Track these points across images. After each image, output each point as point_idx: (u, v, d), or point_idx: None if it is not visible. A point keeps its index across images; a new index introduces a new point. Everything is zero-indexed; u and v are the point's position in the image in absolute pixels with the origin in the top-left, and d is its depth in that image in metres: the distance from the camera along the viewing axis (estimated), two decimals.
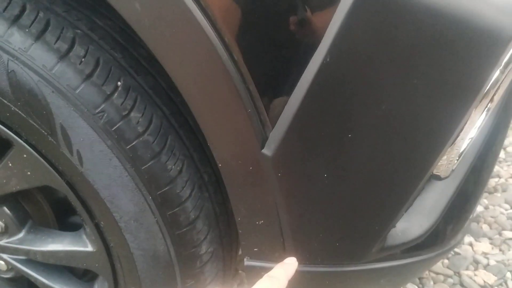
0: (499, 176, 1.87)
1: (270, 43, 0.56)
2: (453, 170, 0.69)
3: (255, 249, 0.70)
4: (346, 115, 0.57)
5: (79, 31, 0.67)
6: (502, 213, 1.68)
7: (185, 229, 0.72)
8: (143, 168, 0.68)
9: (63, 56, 0.64)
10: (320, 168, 0.60)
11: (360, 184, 0.62)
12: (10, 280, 0.92)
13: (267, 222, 0.66)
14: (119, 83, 0.67)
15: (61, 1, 0.69)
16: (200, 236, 0.74)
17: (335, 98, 0.56)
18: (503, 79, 0.71)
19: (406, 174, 0.62)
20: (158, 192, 0.69)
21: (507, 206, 1.71)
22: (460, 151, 0.70)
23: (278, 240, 0.68)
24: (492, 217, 1.65)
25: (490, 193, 1.78)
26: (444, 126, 0.59)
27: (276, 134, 0.58)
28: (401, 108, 0.57)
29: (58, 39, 0.65)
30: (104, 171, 0.68)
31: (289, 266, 0.67)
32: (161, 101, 0.71)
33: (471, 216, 0.92)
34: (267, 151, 0.59)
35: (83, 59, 0.65)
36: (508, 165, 1.94)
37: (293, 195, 0.62)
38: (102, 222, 0.74)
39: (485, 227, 1.61)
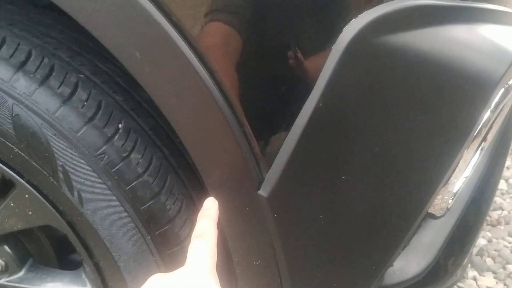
0: (502, 209, 1.86)
1: (265, 88, 0.58)
2: (448, 209, 0.69)
3: None
4: (340, 158, 0.58)
5: (82, 75, 0.69)
6: (505, 246, 1.67)
7: None
8: (142, 208, 0.69)
9: (66, 100, 0.66)
10: (316, 209, 0.61)
11: (356, 224, 0.63)
12: None
13: (264, 262, 0.67)
14: (120, 126, 0.69)
15: (65, 47, 0.72)
16: None
17: (328, 141, 0.58)
18: (495, 119, 0.73)
19: (401, 214, 0.63)
20: (157, 232, 0.70)
21: (511, 239, 1.69)
22: (455, 190, 0.71)
23: (276, 281, 0.68)
24: (495, 250, 1.64)
25: (493, 226, 1.77)
26: (436, 167, 0.60)
27: (272, 175, 0.60)
28: (393, 151, 0.58)
29: (61, 83, 0.67)
30: (104, 211, 0.69)
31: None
32: (161, 142, 0.72)
33: (471, 249, 0.92)
34: (263, 192, 0.60)
35: (85, 103, 0.67)
36: (511, 197, 1.93)
37: (290, 236, 0.63)
38: (101, 262, 0.74)
39: (489, 260, 1.60)
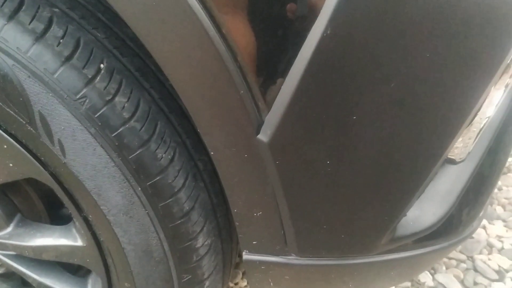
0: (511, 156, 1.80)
1: (263, 17, 0.50)
2: (469, 153, 0.63)
3: (254, 242, 0.65)
4: (350, 94, 0.51)
5: (57, 9, 0.61)
6: None
7: (179, 221, 0.67)
8: (130, 157, 0.62)
9: (39, 37, 0.59)
10: (322, 155, 0.55)
11: (367, 171, 0.56)
12: (1, 276, 0.88)
13: (266, 213, 0.61)
14: (102, 66, 0.61)
15: None
16: (196, 228, 0.69)
17: (337, 76, 0.50)
18: None
19: (418, 159, 0.56)
20: (148, 183, 0.64)
21: None
22: (477, 132, 0.64)
23: (279, 233, 0.63)
24: (506, 198, 1.59)
25: (503, 173, 1.72)
26: (461, 104, 0.53)
27: (273, 118, 0.53)
28: (411, 86, 0.50)
29: (33, 18, 0.59)
30: (89, 161, 0.63)
31: None
32: (149, 85, 0.65)
33: (487, 201, 0.86)
34: (263, 136, 0.54)
35: (61, 40, 0.60)
36: None
37: (293, 184, 0.57)
38: (90, 216, 0.69)
39: (498, 209, 1.56)
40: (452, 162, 0.60)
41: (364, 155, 0.55)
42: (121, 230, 0.68)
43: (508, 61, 0.55)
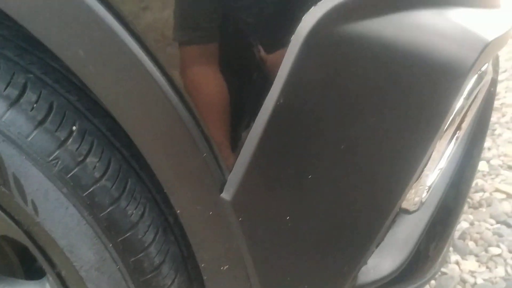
0: (483, 190, 1.86)
1: (224, 85, 0.54)
2: (423, 203, 0.67)
3: None
4: (305, 156, 0.55)
5: (31, 75, 0.65)
6: (487, 228, 1.66)
7: (150, 275, 0.69)
8: (101, 215, 0.65)
9: (13, 103, 0.62)
10: (282, 210, 0.58)
11: (325, 224, 0.60)
12: None
13: (232, 267, 0.63)
14: (74, 128, 0.64)
15: (13, 44, 0.67)
16: (167, 281, 0.71)
17: (292, 139, 0.54)
18: (469, 107, 0.70)
19: (373, 211, 0.60)
20: (119, 239, 0.66)
21: (493, 221, 1.69)
22: (429, 183, 0.68)
23: (246, 285, 0.65)
24: (478, 233, 1.64)
25: (475, 208, 1.77)
26: (407, 161, 0.57)
27: (234, 177, 0.56)
28: (360, 147, 0.55)
29: (8, 85, 0.62)
30: (61, 220, 0.65)
31: None
32: (120, 144, 0.68)
33: (453, 233, 0.90)
34: (226, 195, 0.57)
35: (35, 105, 0.63)
36: (492, 179, 1.93)
37: (257, 239, 0.60)
38: (63, 271, 0.70)
39: (471, 244, 1.59)
40: (406, 212, 0.64)
41: (321, 210, 0.58)
42: (93, 286, 0.69)
43: (452, 117, 0.60)
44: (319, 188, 0.57)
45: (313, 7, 0.49)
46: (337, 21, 0.50)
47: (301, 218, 0.59)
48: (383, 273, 0.69)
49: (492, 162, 2.03)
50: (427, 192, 0.68)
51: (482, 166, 2.01)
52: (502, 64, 3.05)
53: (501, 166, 2.01)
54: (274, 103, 0.52)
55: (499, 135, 2.24)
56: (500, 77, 2.89)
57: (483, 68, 0.65)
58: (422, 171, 0.60)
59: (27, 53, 0.67)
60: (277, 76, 0.51)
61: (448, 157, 0.70)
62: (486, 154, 2.09)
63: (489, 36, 0.57)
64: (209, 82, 0.54)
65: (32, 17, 0.49)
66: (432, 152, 0.59)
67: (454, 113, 0.61)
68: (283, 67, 0.51)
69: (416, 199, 0.63)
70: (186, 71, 0.53)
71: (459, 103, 0.61)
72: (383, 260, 0.69)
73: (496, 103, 2.55)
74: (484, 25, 0.60)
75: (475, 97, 0.72)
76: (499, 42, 0.63)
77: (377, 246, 0.69)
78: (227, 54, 0.53)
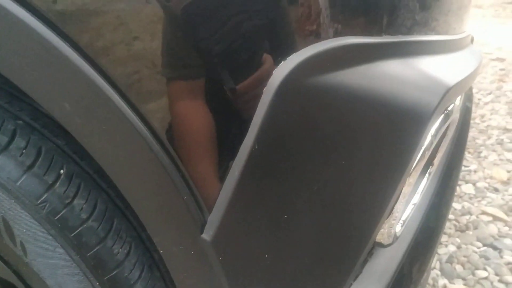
0: (470, 213, 1.89)
1: (200, 129, 0.58)
2: (397, 237, 0.70)
3: None
4: (280, 198, 0.58)
5: (20, 121, 0.68)
6: (474, 251, 1.69)
7: None
8: (88, 254, 0.67)
9: (3, 149, 0.65)
10: (261, 249, 0.61)
11: (302, 260, 0.62)
12: None
13: None
14: (61, 171, 0.67)
15: (3, 92, 0.70)
16: None
17: (267, 182, 0.57)
18: (438, 143, 0.73)
19: (347, 246, 0.63)
20: (106, 277, 0.69)
21: (479, 244, 1.72)
22: (403, 218, 0.72)
23: None
24: (465, 256, 1.66)
25: (462, 231, 1.80)
26: (377, 199, 0.60)
27: (214, 218, 0.59)
28: (332, 188, 0.58)
29: None
30: (50, 260, 0.67)
31: None
32: (106, 185, 0.71)
33: (434, 254, 0.93)
34: (206, 236, 0.60)
35: (24, 150, 0.66)
36: (479, 201, 1.97)
37: (237, 277, 0.63)
38: None
39: (458, 267, 1.62)
40: (381, 245, 0.67)
41: (298, 247, 0.61)
42: None
43: (419, 157, 0.64)
44: (295, 227, 0.60)
45: (283, 62, 0.53)
46: (305, 74, 0.53)
47: (279, 256, 0.62)
48: None
49: (478, 184, 2.07)
50: (402, 226, 0.71)
51: (468, 189, 2.04)
52: (487, 87, 3.12)
53: (487, 189, 2.05)
54: (249, 150, 0.55)
55: (485, 157, 2.29)
56: (485, 99, 2.96)
57: (449, 108, 0.69)
58: (393, 207, 0.63)
59: (16, 100, 0.71)
60: (251, 125, 0.55)
61: (422, 192, 0.74)
62: (472, 176, 2.13)
63: (451, 81, 0.61)
64: (190, 124, 0.57)
65: (19, 73, 0.52)
66: (402, 189, 0.63)
67: (422, 151, 0.64)
68: (256, 116, 0.54)
69: (389, 233, 0.66)
70: (172, 108, 0.56)
71: (426, 141, 0.65)
72: None
73: (482, 125, 2.60)
74: (447, 71, 0.64)
75: (445, 133, 0.76)
76: (463, 84, 0.68)
77: (355, 279, 0.72)
78: (209, 99, 0.57)
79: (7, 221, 0.66)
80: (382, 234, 0.66)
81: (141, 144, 0.56)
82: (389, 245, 0.68)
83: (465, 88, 0.72)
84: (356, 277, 0.72)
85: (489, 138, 2.48)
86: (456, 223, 1.83)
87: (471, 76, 0.73)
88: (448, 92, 0.60)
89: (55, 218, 0.66)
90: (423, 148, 0.64)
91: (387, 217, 0.63)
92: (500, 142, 2.42)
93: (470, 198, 1.99)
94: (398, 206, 0.64)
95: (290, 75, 0.53)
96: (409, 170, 0.61)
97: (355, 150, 0.57)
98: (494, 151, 2.35)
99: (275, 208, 0.58)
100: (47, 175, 0.66)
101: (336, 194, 0.59)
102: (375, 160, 0.59)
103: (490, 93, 3.05)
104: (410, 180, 0.64)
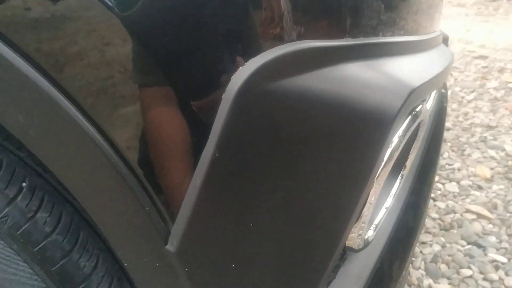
0: (454, 212, 1.89)
1: (161, 143, 0.56)
2: (369, 242, 0.69)
3: None
4: (244, 205, 0.57)
5: None
6: (459, 250, 1.69)
7: None
8: (53, 269, 0.66)
9: None
10: (227, 258, 0.60)
11: (270, 268, 0.61)
12: None
13: None
14: (23, 184, 0.66)
15: None
16: None
17: (230, 190, 0.56)
18: (409, 145, 0.73)
19: (316, 252, 0.62)
20: None
21: (464, 242, 1.72)
22: (376, 222, 0.71)
23: None
24: (449, 255, 1.66)
25: (446, 230, 1.80)
26: (343, 204, 0.59)
27: (177, 229, 0.58)
28: (297, 194, 0.57)
29: None
30: (12, 276, 0.66)
31: None
32: (71, 196, 0.70)
33: (413, 250, 0.92)
34: (171, 247, 0.58)
35: None
36: (463, 199, 1.97)
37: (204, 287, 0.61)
38: None
39: (443, 267, 1.62)
40: (352, 250, 0.66)
41: (265, 254, 0.60)
42: None
43: (386, 157, 0.63)
44: (260, 235, 0.59)
45: (241, 67, 0.52)
46: (264, 79, 0.52)
47: (246, 264, 0.60)
48: None
49: (462, 183, 2.08)
50: (374, 230, 0.70)
51: (452, 187, 2.05)
52: (470, 84, 3.14)
53: (471, 187, 2.05)
54: (210, 158, 0.54)
55: (469, 155, 2.30)
56: (468, 97, 2.98)
57: (417, 109, 0.68)
58: (361, 211, 0.62)
59: None
60: (211, 132, 0.54)
61: (394, 195, 0.73)
62: (456, 175, 2.14)
63: (416, 82, 0.61)
64: (151, 133, 0.56)
65: None
66: (368, 193, 0.62)
67: (389, 153, 0.64)
68: (216, 123, 0.53)
69: (360, 237, 0.65)
70: (144, 114, 0.55)
71: (393, 142, 0.64)
72: None
73: (465, 123, 2.62)
74: (412, 72, 0.64)
75: (415, 134, 0.76)
76: (429, 84, 0.67)
77: (328, 285, 0.71)
78: (168, 107, 0.56)
79: None
80: (353, 239, 0.65)
81: (98, 155, 0.54)
82: (361, 249, 0.67)
83: (433, 89, 0.72)
84: (329, 283, 0.71)
85: (472, 136, 2.49)
86: (441, 222, 1.83)
87: (440, 76, 0.72)
88: (412, 94, 0.59)
89: (18, 233, 0.64)
90: (389, 149, 0.63)
91: (355, 222, 0.62)
92: (484, 140, 2.43)
93: (454, 196, 1.99)
94: (366, 210, 0.63)
95: (249, 81, 0.52)
96: (375, 173, 0.60)
97: (319, 154, 0.56)
98: (477, 148, 2.36)
99: (239, 216, 0.57)
100: (8, 189, 0.64)
101: (301, 200, 0.58)
102: (339, 165, 0.58)
103: (473, 91, 3.07)
104: (377, 184, 0.64)
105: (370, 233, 0.69)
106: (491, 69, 3.45)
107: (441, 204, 1.93)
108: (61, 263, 0.66)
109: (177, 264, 0.59)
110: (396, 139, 0.64)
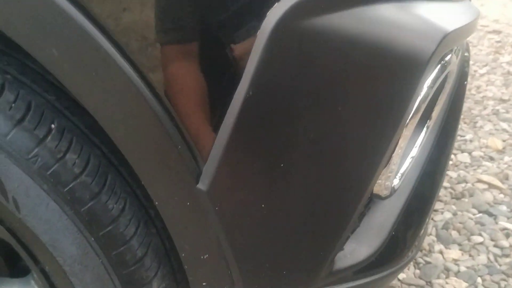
0: (466, 181, 1.90)
1: (195, 80, 0.56)
2: (395, 189, 0.69)
3: (203, 284, 0.69)
4: (275, 146, 0.57)
5: (8, 76, 0.66)
6: (470, 218, 1.70)
7: (132, 267, 0.71)
8: (82, 210, 0.67)
9: None
10: (257, 199, 0.60)
11: (299, 210, 0.62)
12: None
13: (211, 256, 0.65)
14: (52, 126, 0.66)
15: None
16: (150, 273, 0.73)
17: (262, 130, 0.56)
18: (436, 96, 0.72)
19: (344, 197, 0.62)
20: (101, 233, 0.68)
21: (475, 211, 1.73)
22: (401, 171, 0.71)
23: (225, 273, 0.67)
24: (460, 223, 1.67)
25: (458, 198, 1.80)
26: (374, 149, 0.59)
27: (209, 168, 0.58)
28: (329, 136, 0.57)
29: None
30: (43, 216, 0.66)
31: None
32: (99, 140, 0.70)
33: (428, 219, 0.93)
34: (202, 185, 0.59)
35: (13, 105, 0.64)
36: (474, 170, 1.97)
37: (234, 227, 0.62)
38: (47, 267, 0.72)
39: (454, 233, 1.63)
40: (378, 197, 0.66)
41: (295, 197, 0.61)
42: (77, 280, 0.71)
43: (415, 107, 0.63)
44: (291, 176, 0.59)
45: (277, 3, 0.52)
46: (300, 16, 0.52)
47: (275, 205, 0.61)
48: (360, 258, 0.71)
49: (474, 153, 2.07)
50: (400, 179, 0.71)
51: (464, 157, 2.05)
52: (483, 58, 3.10)
53: (483, 158, 2.05)
54: (244, 96, 0.54)
55: (481, 127, 2.28)
56: (481, 71, 2.95)
57: (446, 58, 0.68)
58: (390, 158, 0.62)
59: (3, 54, 0.69)
60: (245, 70, 0.54)
61: (420, 146, 0.73)
62: (468, 146, 2.13)
63: (449, 27, 0.60)
64: (186, 78, 0.56)
65: (5, 19, 0.51)
66: (398, 140, 0.62)
67: (418, 102, 0.63)
68: (250, 61, 0.53)
69: (387, 184, 0.66)
70: (166, 69, 0.55)
71: (422, 91, 0.64)
72: (360, 246, 0.72)
73: (478, 96, 2.59)
74: (445, 17, 0.63)
75: (442, 86, 0.75)
76: (461, 32, 0.66)
77: (352, 232, 0.72)
78: (202, 52, 0.55)
79: None
80: (380, 186, 0.65)
81: (134, 92, 0.54)
82: (387, 197, 0.67)
83: (463, 38, 0.71)
84: (354, 230, 0.72)
85: (484, 108, 2.47)
86: (452, 191, 1.83)
87: (470, 26, 0.71)
88: (445, 38, 0.59)
89: (48, 173, 0.65)
90: (419, 99, 0.63)
91: (384, 167, 0.62)
92: (496, 113, 2.42)
93: (466, 166, 1.99)
94: (395, 157, 0.63)
95: (284, 18, 0.51)
96: (406, 120, 0.60)
97: (351, 96, 0.56)
98: (489, 121, 2.34)
99: (271, 156, 0.58)
100: (38, 129, 0.65)
101: (332, 143, 0.58)
102: (371, 108, 0.58)
103: (486, 65, 3.03)
104: (406, 132, 0.63)
105: (396, 182, 0.69)
106: (504, 44, 3.40)
107: (453, 174, 1.93)
108: (90, 204, 0.67)
109: (208, 203, 0.60)
110: (425, 87, 0.64)
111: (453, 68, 0.71)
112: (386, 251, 0.76)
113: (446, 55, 0.67)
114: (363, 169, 0.60)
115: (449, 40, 0.61)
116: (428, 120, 0.74)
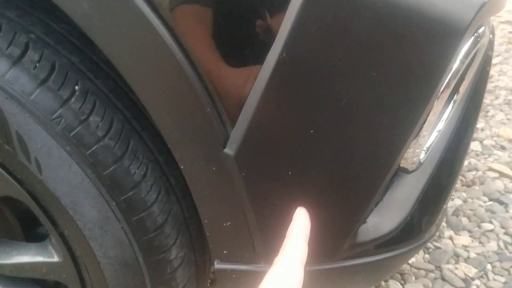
0: (476, 169, 1.88)
1: (226, 41, 0.55)
2: (421, 163, 0.68)
3: (224, 252, 0.69)
4: (306, 111, 0.56)
5: (33, 35, 0.65)
6: (480, 205, 1.69)
7: (152, 234, 0.71)
8: (104, 173, 0.66)
9: (16, 61, 0.62)
10: (284, 166, 0.59)
11: (325, 180, 0.61)
12: None
13: (234, 223, 0.65)
14: (76, 87, 0.65)
15: (14, 5, 0.67)
16: (169, 241, 0.73)
17: (293, 95, 0.55)
18: (465, 70, 0.71)
19: (372, 168, 0.61)
20: (122, 198, 0.67)
21: (485, 198, 1.72)
22: (427, 145, 0.70)
23: (247, 241, 0.66)
24: (471, 210, 1.66)
25: (468, 186, 1.79)
26: (406, 119, 0.58)
27: (237, 132, 0.57)
28: (360, 103, 0.56)
29: (10, 44, 0.63)
30: (65, 178, 0.66)
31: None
32: (122, 105, 0.69)
33: (444, 207, 0.92)
34: (229, 150, 0.58)
35: (37, 64, 0.63)
36: (485, 158, 1.96)
37: (259, 195, 0.61)
38: (66, 231, 0.71)
39: (464, 220, 1.62)
40: (405, 171, 0.65)
41: (322, 165, 0.60)
42: (96, 244, 0.70)
43: (448, 79, 0.61)
44: (320, 143, 0.58)
45: None
46: None
47: (302, 173, 0.60)
48: (382, 232, 0.70)
49: (485, 142, 2.06)
50: (425, 153, 0.69)
51: (475, 146, 2.03)
52: (496, 48, 3.07)
53: (494, 146, 2.03)
54: (277, 58, 0.53)
55: (492, 116, 2.26)
56: (493, 61, 2.91)
57: (479, 31, 0.66)
58: (420, 130, 0.61)
59: (28, 14, 0.67)
60: (279, 32, 0.52)
61: (446, 119, 0.72)
62: (479, 134, 2.11)
63: None
64: (217, 39, 0.55)
65: None
66: (429, 112, 0.61)
67: (451, 74, 0.62)
68: (285, 22, 0.51)
69: (415, 158, 0.65)
70: (197, 27, 0.53)
71: (455, 64, 0.62)
72: (382, 220, 0.71)
73: (490, 86, 2.57)
74: None
75: (472, 60, 0.73)
76: (496, 3, 0.64)
77: (376, 205, 0.71)
78: (232, 11, 0.54)
79: (21, 136, 0.64)
80: (407, 159, 0.64)
81: (164, 51, 0.53)
82: (413, 171, 0.66)
83: (496, 10, 0.69)
84: (377, 204, 0.71)
85: (496, 98, 2.44)
86: (463, 178, 1.82)
87: (502, 0, 0.70)
88: (484, 6, 0.57)
89: (71, 134, 0.64)
90: (453, 69, 0.61)
91: (414, 140, 0.61)
92: (508, 102, 2.39)
93: (477, 155, 1.98)
94: (426, 128, 0.62)
95: None
96: (439, 90, 0.59)
97: (385, 63, 0.55)
98: (501, 110, 2.32)
99: (301, 122, 0.56)
100: (62, 90, 0.64)
101: (364, 110, 0.56)
102: (405, 76, 0.56)
103: (498, 55, 3.00)
104: (437, 104, 0.62)
105: (422, 156, 0.68)
106: None
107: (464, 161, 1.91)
108: (112, 168, 0.66)
109: (234, 169, 0.59)
110: (458, 61, 0.62)
111: (484, 41, 0.69)
112: (408, 227, 0.75)
113: (479, 27, 0.65)
114: (393, 140, 0.59)
115: (487, 9, 0.59)
116: (456, 94, 0.73)
